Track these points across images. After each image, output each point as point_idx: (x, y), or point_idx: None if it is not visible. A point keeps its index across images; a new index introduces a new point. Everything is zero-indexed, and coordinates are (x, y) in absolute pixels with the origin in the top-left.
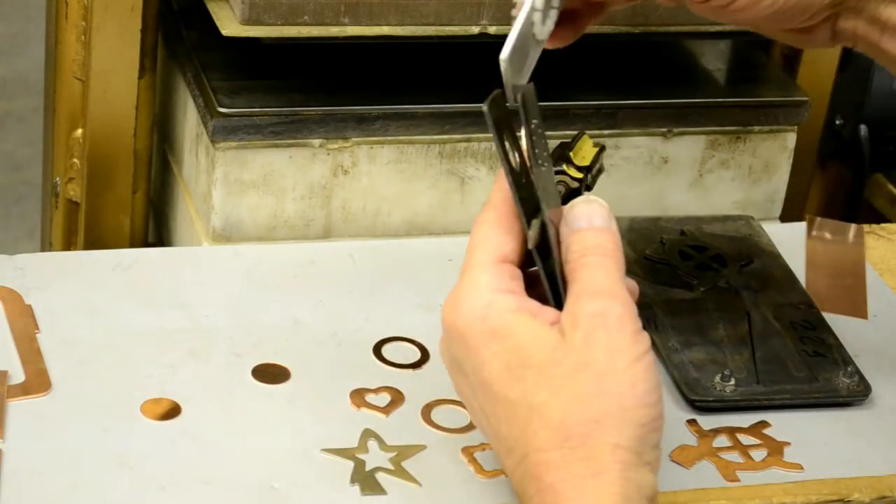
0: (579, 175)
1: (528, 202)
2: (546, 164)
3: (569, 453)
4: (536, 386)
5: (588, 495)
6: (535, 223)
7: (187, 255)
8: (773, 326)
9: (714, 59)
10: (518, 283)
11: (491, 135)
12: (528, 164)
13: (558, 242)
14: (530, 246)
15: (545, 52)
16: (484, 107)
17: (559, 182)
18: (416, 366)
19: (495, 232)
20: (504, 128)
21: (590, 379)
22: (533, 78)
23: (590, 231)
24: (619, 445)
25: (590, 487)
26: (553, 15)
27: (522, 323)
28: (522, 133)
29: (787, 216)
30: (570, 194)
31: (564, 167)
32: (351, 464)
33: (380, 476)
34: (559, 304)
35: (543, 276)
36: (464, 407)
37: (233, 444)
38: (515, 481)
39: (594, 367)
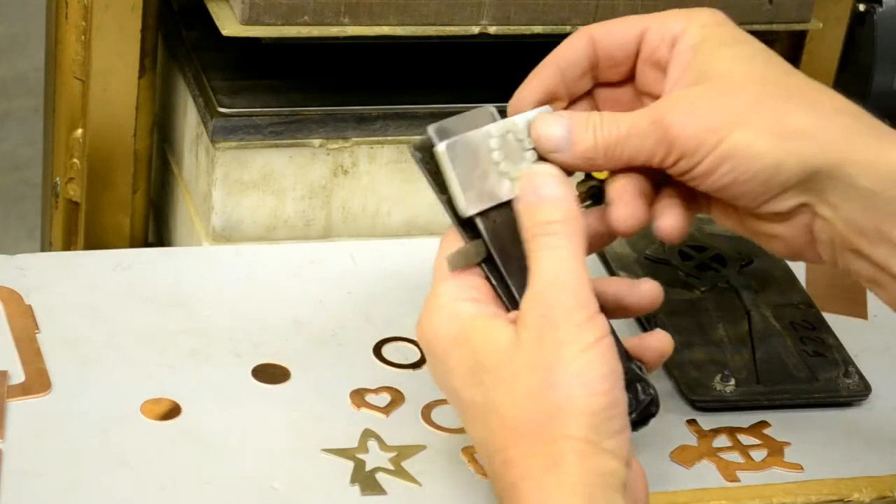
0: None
1: (466, 227)
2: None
3: (526, 449)
4: (493, 387)
5: (547, 488)
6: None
7: (187, 255)
8: (773, 326)
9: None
10: (480, 291)
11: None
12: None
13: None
14: (474, 262)
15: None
16: (414, 152)
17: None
18: (416, 366)
19: (455, 246)
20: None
21: (539, 374)
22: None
23: (539, 205)
24: (572, 436)
25: (548, 480)
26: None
27: (479, 327)
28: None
29: None
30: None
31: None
32: (351, 464)
33: (380, 476)
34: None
35: (495, 282)
36: None
37: (233, 444)
38: (492, 483)
39: (543, 362)
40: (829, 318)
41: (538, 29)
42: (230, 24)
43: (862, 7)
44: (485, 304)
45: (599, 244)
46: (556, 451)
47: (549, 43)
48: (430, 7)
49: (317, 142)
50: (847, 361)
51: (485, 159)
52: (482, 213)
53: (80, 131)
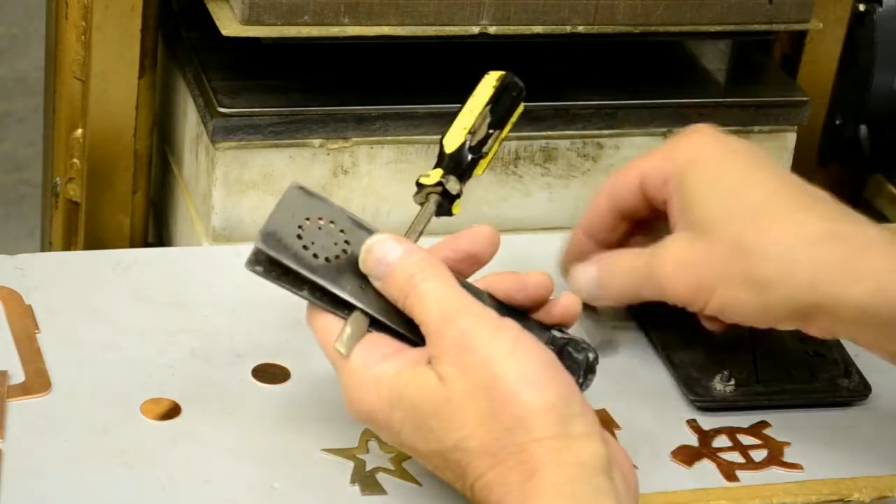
0: (434, 180)
1: (327, 298)
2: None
3: (501, 468)
4: (444, 430)
5: (530, 497)
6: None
7: (187, 255)
8: None
9: (714, 59)
10: (385, 346)
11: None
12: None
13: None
14: (364, 333)
15: (540, 53)
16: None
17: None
18: None
19: (334, 331)
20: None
21: (481, 397)
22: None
23: (393, 273)
24: (541, 437)
25: (530, 489)
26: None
27: (405, 381)
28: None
29: None
30: (444, 200)
31: (422, 183)
32: (351, 464)
33: (380, 476)
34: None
35: (392, 334)
36: None
37: (233, 444)
38: None
39: (480, 385)
40: None
41: (538, 29)
42: (230, 24)
43: (862, 7)
44: (398, 356)
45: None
46: (529, 459)
47: (549, 43)
48: (430, 7)
49: (317, 142)
50: (847, 361)
51: (301, 245)
52: (342, 284)
53: (80, 131)
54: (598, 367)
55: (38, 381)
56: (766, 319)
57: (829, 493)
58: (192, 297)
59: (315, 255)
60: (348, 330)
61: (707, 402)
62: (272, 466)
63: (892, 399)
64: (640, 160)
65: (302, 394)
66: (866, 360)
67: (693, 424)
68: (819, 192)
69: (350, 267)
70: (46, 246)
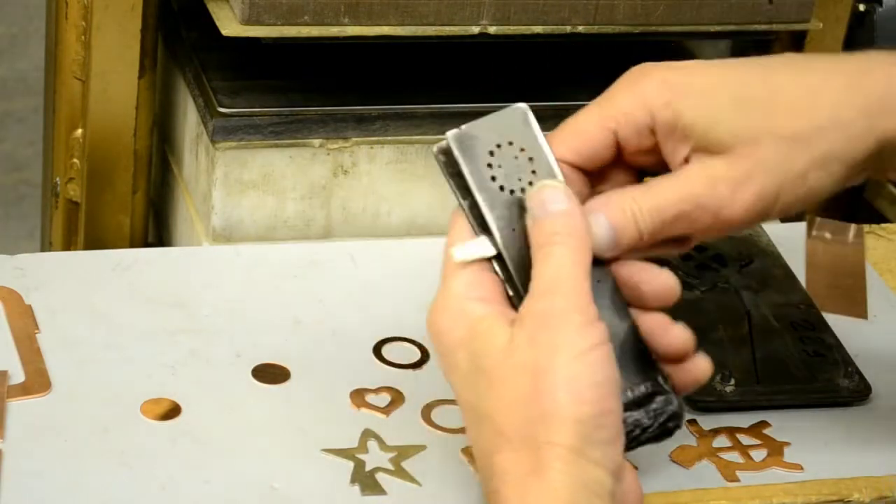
0: None
1: (478, 219)
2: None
3: (511, 455)
4: (486, 391)
5: (529, 495)
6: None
7: (187, 255)
8: (773, 326)
9: (714, 59)
10: (489, 289)
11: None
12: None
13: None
14: (484, 256)
15: (540, 53)
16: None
17: None
18: (416, 366)
19: (464, 237)
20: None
21: (527, 379)
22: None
23: (546, 219)
24: (557, 443)
25: (530, 487)
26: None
27: (483, 329)
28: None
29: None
30: None
31: None
32: (351, 464)
33: (380, 476)
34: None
35: (504, 280)
36: None
37: (233, 444)
38: (481, 485)
39: (533, 366)
40: (829, 318)
41: (538, 29)
42: (230, 24)
43: (862, 7)
44: (493, 304)
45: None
46: (540, 458)
47: (549, 43)
48: (430, 7)
49: (317, 142)
50: (847, 361)
51: (487, 161)
52: (498, 214)
53: (80, 131)
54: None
55: (38, 381)
56: (842, 185)
57: (829, 493)
58: (192, 297)
59: (493, 178)
60: (473, 247)
61: (707, 402)
62: (272, 466)
63: (892, 399)
64: (601, 116)
65: (302, 394)
66: (866, 360)
67: (693, 424)
68: (786, 55)
69: (515, 206)
70: (46, 246)
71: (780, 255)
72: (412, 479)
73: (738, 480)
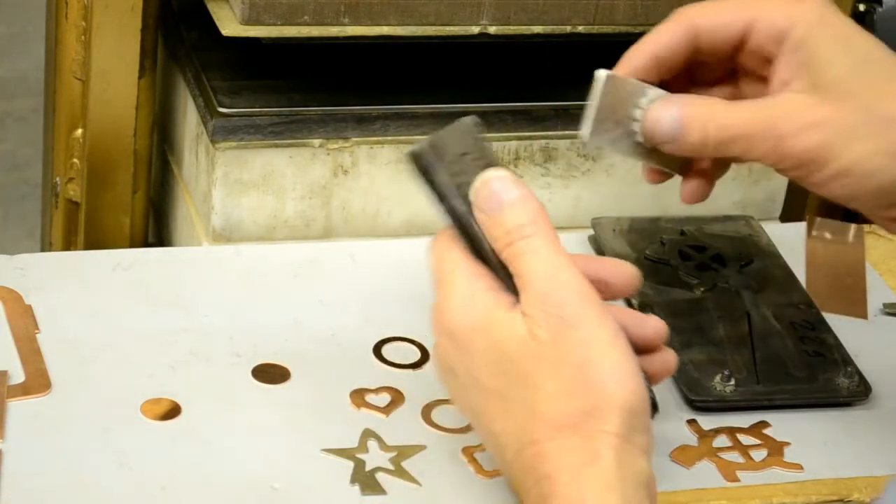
0: None
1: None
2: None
3: (563, 443)
4: (519, 379)
5: (585, 482)
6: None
7: (187, 255)
8: (773, 326)
9: None
10: (488, 278)
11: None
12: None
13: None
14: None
15: (540, 53)
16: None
17: None
18: (416, 366)
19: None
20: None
21: (568, 372)
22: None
23: (501, 214)
24: (611, 432)
25: (586, 475)
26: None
27: (501, 318)
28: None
29: (787, 216)
30: None
31: None
32: (351, 464)
33: (380, 476)
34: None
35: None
36: None
37: (233, 444)
38: (512, 476)
39: (571, 360)
40: (829, 318)
41: (538, 29)
42: (230, 24)
43: (862, 7)
44: (499, 292)
45: None
46: (593, 447)
47: (549, 43)
48: (430, 7)
49: (317, 142)
50: (847, 361)
51: (624, 107)
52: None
53: (80, 131)
54: None
55: (38, 381)
56: (887, 197)
57: (829, 493)
58: (192, 297)
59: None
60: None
61: (707, 402)
62: (272, 466)
63: (892, 399)
64: (742, 5)
65: (302, 394)
66: (866, 360)
67: (693, 424)
68: None
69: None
70: (46, 246)
71: (780, 255)
72: (412, 479)
73: (738, 480)
